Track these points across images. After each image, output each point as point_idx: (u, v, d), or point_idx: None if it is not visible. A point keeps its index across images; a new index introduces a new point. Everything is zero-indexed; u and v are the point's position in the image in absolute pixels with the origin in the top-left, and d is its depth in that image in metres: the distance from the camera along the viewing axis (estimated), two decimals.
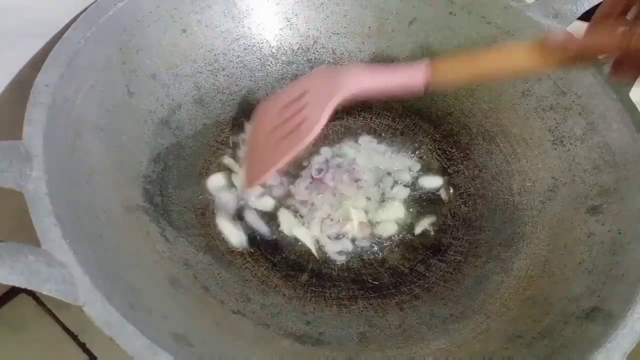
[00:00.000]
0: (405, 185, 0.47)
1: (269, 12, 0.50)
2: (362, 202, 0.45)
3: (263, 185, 0.45)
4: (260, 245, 0.41)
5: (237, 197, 0.44)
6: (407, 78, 0.39)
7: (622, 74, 0.34)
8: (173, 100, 0.45)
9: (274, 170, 0.40)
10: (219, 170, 0.45)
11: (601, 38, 0.34)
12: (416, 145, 0.49)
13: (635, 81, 0.36)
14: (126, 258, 0.34)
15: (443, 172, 0.48)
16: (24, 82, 0.35)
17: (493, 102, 0.49)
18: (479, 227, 0.44)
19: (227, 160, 0.46)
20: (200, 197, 0.43)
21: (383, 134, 0.50)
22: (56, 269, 0.27)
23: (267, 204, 0.44)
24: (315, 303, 0.39)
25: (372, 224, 0.44)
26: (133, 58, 0.42)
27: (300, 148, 0.39)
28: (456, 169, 0.48)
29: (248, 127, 0.47)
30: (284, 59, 0.51)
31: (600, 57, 0.36)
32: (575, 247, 0.40)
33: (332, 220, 0.44)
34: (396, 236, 0.44)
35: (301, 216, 0.44)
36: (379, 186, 0.46)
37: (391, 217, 0.45)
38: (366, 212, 0.45)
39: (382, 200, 0.46)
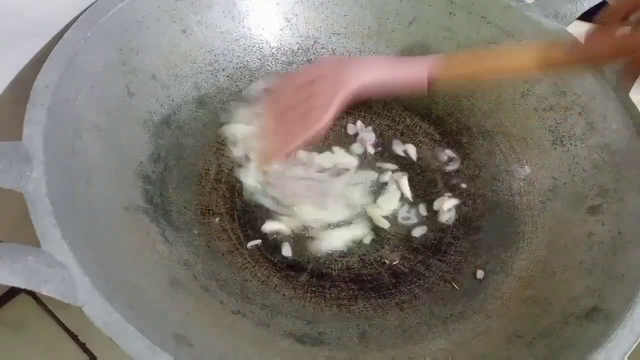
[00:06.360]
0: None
1: (269, 13, 0.50)
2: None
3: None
4: (260, 245, 0.41)
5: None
6: (414, 71, 0.39)
7: (632, 77, 0.34)
8: (173, 100, 0.45)
9: (283, 153, 0.42)
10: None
11: (603, 44, 0.34)
12: (416, 145, 0.49)
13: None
14: (126, 258, 0.34)
15: (443, 171, 0.48)
16: (24, 82, 0.35)
17: (493, 102, 0.49)
18: (479, 227, 0.44)
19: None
20: (200, 197, 0.43)
21: (384, 134, 0.50)
22: (56, 269, 0.27)
23: None
24: (315, 303, 0.39)
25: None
26: (133, 58, 0.42)
27: (308, 136, 0.41)
28: (456, 169, 0.48)
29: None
30: (284, 59, 0.51)
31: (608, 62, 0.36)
32: (575, 247, 0.40)
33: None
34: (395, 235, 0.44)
35: None
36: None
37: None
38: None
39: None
